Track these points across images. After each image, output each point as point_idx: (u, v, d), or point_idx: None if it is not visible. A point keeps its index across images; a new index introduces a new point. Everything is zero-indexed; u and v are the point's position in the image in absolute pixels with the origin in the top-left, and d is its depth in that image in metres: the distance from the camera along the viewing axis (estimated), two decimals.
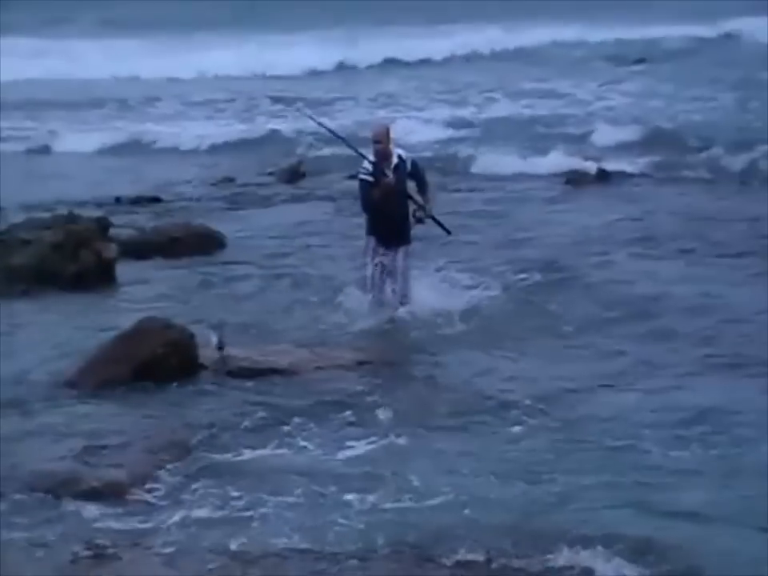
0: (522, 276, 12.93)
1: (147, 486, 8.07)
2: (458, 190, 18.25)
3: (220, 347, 10.30)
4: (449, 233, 12.11)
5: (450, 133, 22.58)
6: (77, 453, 8.53)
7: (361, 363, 10.50)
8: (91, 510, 7.70)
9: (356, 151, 12.03)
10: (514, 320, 11.65)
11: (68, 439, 8.79)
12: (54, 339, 11.22)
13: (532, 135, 21.82)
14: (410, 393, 9.88)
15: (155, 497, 7.94)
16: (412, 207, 11.74)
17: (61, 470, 8.20)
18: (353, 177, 11.74)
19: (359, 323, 11.48)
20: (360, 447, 8.64)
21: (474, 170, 19.74)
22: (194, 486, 8.08)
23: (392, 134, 11.82)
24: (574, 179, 18.69)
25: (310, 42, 33.48)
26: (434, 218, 11.89)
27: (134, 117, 25.50)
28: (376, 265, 11.70)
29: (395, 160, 11.57)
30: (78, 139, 23.10)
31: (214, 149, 22.55)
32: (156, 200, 17.84)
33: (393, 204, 11.50)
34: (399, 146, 12.09)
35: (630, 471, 8.13)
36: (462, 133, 22.54)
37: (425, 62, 31.99)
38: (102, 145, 22.94)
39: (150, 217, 16.51)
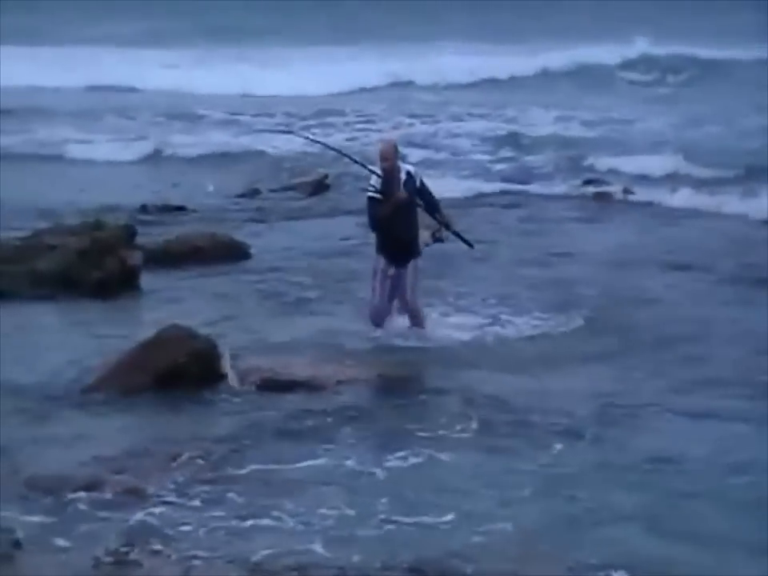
0: (553, 294, 12.85)
1: (168, 494, 8.04)
2: (490, 205, 18.21)
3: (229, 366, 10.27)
4: (471, 246, 11.99)
5: (483, 151, 22.53)
6: (99, 459, 8.53)
7: (380, 376, 10.47)
8: (112, 516, 7.69)
9: (363, 165, 12.01)
10: (547, 338, 11.57)
11: (90, 445, 8.80)
12: (76, 345, 11.21)
13: (561, 155, 21.71)
14: (437, 409, 9.78)
15: (176, 505, 7.90)
16: (428, 231, 11.63)
17: (82, 476, 8.18)
18: (365, 190, 11.69)
19: (378, 338, 11.44)
20: (385, 461, 8.59)
21: (503, 186, 19.68)
22: (215, 496, 8.05)
23: (399, 150, 11.74)
24: (603, 199, 18.64)
25: (350, 58, 33.56)
26: (456, 233, 11.81)
27: (167, 128, 25.50)
28: (384, 287, 11.60)
29: (403, 176, 11.48)
30: (107, 148, 23.18)
31: (239, 160, 22.50)
32: (182, 209, 17.86)
33: (401, 221, 11.39)
34: (407, 161, 12.07)
35: (664, 495, 8.06)
36: (494, 150, 22.48)
37: (464, 81, 31.95)
38: (131, 154, 23.00)
39: (176, 226, 16.49)
